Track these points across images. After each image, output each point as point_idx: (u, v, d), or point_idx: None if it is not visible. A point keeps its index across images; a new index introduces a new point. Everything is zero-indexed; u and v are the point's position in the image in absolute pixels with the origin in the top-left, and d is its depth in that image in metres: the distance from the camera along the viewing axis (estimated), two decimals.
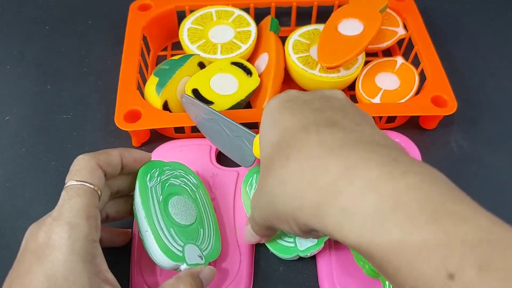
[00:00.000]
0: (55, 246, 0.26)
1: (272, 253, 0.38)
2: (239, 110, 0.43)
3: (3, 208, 0.40)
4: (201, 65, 0.46)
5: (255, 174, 0.37)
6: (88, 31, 0.56)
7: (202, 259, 0.32)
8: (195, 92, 0.43)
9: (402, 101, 0.44)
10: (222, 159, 0.43)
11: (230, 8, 0.51)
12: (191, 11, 0.51)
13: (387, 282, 0.32)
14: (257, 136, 0.34)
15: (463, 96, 0.47)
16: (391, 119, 0.46)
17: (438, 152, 0.45)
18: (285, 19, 0.55)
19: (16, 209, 0.40)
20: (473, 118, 0.48)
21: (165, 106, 0.43)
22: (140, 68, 0.46)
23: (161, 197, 0.33)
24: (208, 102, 0.42)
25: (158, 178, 0.34)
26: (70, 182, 0.29)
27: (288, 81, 0.48)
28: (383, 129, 0.46)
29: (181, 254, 0.31)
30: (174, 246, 0.31)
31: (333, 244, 0.37)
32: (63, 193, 0.28)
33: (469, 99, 0.49)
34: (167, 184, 0.34)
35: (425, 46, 0.48)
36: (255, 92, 0.45)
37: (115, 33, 0.54)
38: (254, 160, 0.38)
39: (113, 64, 0.50)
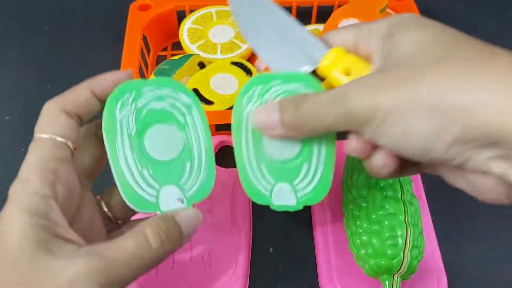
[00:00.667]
0: (7, 202, 0.24)
1: (272, 252, 0.38)
2: None
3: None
4: (201, 65, 0.46)
5: (259, 86, 0.29)
6: (88, 31, 0.56)
7: (182, 202, 0.28)
8: (196, 92, 0.43)
9: None
10: (221, 159, 0.43)
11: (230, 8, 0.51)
12: (191, 11, 0.51)
13: (387, 282, 0.32)
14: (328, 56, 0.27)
15: None
16: None
17: None
18: None
19: None
20: None
21: None
22: (140, 68, 0.46)
23: (134, 129, 0.28)
24: (208, 102, 0.42)
25: (133, 105, 0.28)
26: (35, 135, 0.26)
27: None
28: None
29: (153, 200, 0.27)
30: (145, 191, 0.27)
31: (333, 244, 0.37)
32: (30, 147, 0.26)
33: None
34: (145, 111, 0.28)
35: None
36: None
37: (115, 33, 0.54)
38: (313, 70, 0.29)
39: (113, 64, 0.50)
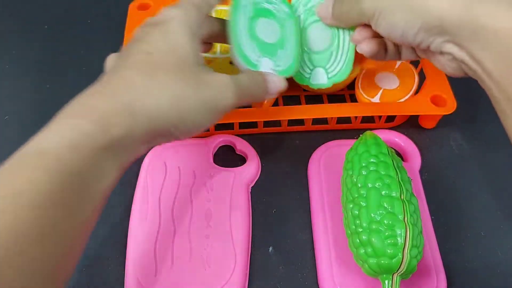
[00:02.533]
0: (171, 15, 0.30)
1: (271, 252, 0.38)
2: (238, 110, 0.43)
3: None
4: None
5: None
6: (87, 31, 0.56)
7: (274, 72, 0.37)
8: None
9: (402, 100, 0.44)
10: (220, 159, 0.43)
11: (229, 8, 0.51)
12: None
13: (386, 282, 0.32)
14: None
15: (462, 95, 0.47)
16: (390, 118, 0.46)
17: (438, 152, 0.45)
18: None
19: None
20: (472, 117, 0.48)
21: None
22: None
23: (251, 13, 0.38)
24: None
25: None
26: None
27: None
28: (382, 128, 0.46)
29: (255, 62, 0.36)
30: (251, 54, 0.36)
31: (333, 244, 0.37)
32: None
33: (468, 98, 0.49)
34: (258, 6, 0.39)
35: None
36: None
37: (114, 33, 0.54)
38: None
39: None
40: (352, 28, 0.38)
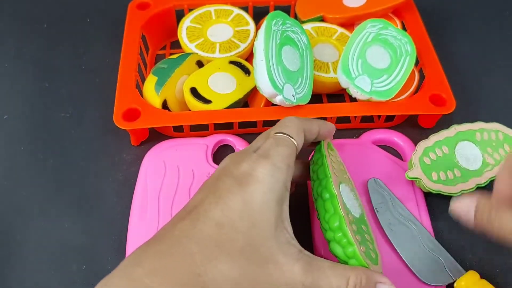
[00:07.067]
0: (258, 179, 0.28)
1: None
2: (237, 109, 0.43)
3: (1, 206, 0.40)
4: (199, 64, 0.46)
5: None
6: (86, 30, 0.56)
7: (294, 98, 0.40)
8: (194, 91, 0.43)
9: (401, 98, 0.44)
10: (219, 158, 0.43)
11: (229, 7, 0.51)
12: (190, 10, 0.51)
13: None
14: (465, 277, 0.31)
15: (461, 95, 0.47)
16: (389, 118, 0.46)
17: None
18: None
19: (14, 207, 0.40)
20: (471, 117, 0.48)
21: (164, 105, 0.43)
22: (139, 67, 0.46)
23: (278, 41, 0.41)
24: (206, 101, 0.42)
25: (281, 26, 0.42)
26: (278, 134, 0.31)
27: None
28: (381, 128, 0.46)
29: (281, 87, 0.39)
30: (277, 79, 0.39)
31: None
32: (271, 141, 0.30)
33: (468, 98, 0.49)
34: (285, 34, 0.42)
35: (423, 45, 0.48)
36: (253, 92, 0.45)
37: (113, 32, 0.54)
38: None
39: (111, 63, 0.50)
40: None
